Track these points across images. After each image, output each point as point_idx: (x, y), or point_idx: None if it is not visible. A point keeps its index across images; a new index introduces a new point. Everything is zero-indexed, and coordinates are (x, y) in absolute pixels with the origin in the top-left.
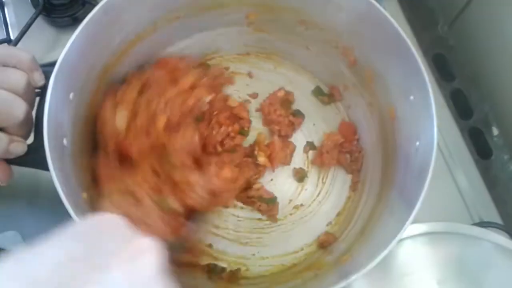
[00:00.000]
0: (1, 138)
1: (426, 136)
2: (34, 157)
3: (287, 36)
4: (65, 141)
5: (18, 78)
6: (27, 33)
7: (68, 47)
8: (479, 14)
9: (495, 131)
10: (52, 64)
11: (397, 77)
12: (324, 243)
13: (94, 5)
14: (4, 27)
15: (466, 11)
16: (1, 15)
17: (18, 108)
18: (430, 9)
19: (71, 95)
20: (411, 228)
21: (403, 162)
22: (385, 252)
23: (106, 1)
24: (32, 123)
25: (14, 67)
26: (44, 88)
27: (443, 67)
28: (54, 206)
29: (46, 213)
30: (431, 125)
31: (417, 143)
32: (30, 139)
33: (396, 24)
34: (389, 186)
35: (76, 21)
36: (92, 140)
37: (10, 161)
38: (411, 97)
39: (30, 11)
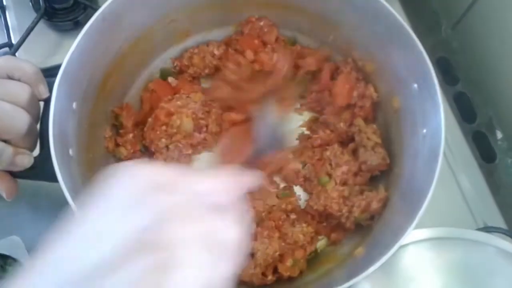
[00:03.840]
0: (5, 150)
1: (433, 122)
2: (41, 169)
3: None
4: (70, 151)
5: (22, 91)
6: (29, 37)
7: (69, 56)
8: (482, 16)
9: (499, 135)
10: (54, 69)
11: (399, 67)
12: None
13: (95, 9)
14: (5, 31)
15: (470, 13)
16: (3, 19)
17: (21, 121)
18: (433, 11)
19: (74, 105)
20: (415, 234)
21: (411, 152)
22: (389, 254)
23: (105, 7)
24: (37, 135)
25: (19, 79)
26: (47, 99)
27: (446, 71)
28: (56, 209)
29: (47, 217)
30: (437, 110)
31: (424, 130)
32: (36, 152)
33: (396, 14)
34: (396, 180)
35: (78, 25)
36: (97, 149)
37: (18, 175)
38: (415, 85)
39: (32, 15)
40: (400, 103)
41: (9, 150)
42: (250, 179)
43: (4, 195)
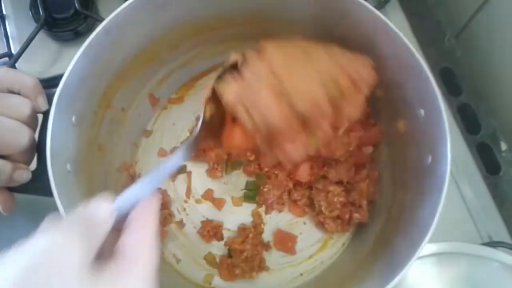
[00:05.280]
0: (5, 166)
1: (440, 151)
2: (38, 184)
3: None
4: (68, 167)
5: (24, 106)
6: (29, 47)
7: (70, 68)
8: (486, 26)
9: (504, 146)
10: (54, 80)
11: (406, 91)
12: None
13: (96, 19)
14: (5, 41)
15: (473, 23)
16: (2, 29)
17: (23, 137)
18: (437, 20)
19: (73, 119)
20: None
21: (414, 178)
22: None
23: (108, 20)
24: (35, 149)
25: (18, 92)
26: (46, 112)
27: (450, 81)
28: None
29: None
30: (444, 138)
31: (430, 157)
32: (33, 165)
33: (404, 38)
34: (399, 206)
35: (78, 35)
36: (98, 165)
37: (13, 189)
38: (421, 111)
39: (32, 25)
40: (406, 127)
41: (8, 166)
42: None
43: (1, 209)
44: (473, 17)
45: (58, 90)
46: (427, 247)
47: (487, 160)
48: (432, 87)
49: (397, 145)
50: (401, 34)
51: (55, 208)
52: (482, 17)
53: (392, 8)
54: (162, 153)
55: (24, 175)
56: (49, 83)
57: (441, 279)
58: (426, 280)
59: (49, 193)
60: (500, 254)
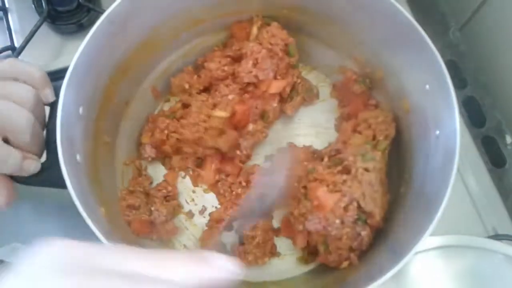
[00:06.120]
0: (14, 154)
1: (447, 123)
2: (48, 175)
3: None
4: (78, 157)
5: (25, 92)
6: (31, 40)
7: (75, 59)
8: (491, 18)
9: (509, 139)
10: (57, 73)
11: (410, 69)
12: None
13: (99, 12)
14: (8, 34)
15: (478, 15)
16: (5, 22)
17: (22, 118)
18: (441, 13)
19: (80, 109)
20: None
21: (422, 156)
22: (401, 264)
23: (111, 9)
24: (43, 140)
25: (24, 82)
26: (53, 104)
27: (455, 74)
28: (59, 215)
29: (51, 223)
30: (451, 110)
31: (437, 131)
32: (43, 158)
33: (406, 13)
34: (406, 187)
35: (81, 28)
36: (105, 157)
37: (24, 181)
38: (427, 86)
39: (35, 18)
40: (411, 105)
41: (17, 154)
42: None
43: (1, 202)
44: (478, 10)
45: (65, 81)
46: (431, 240)
47: (492, 153)
48: (436, 59)
49: (402, 124)
50: (402, 9)
51: (60, 200)
52: (487, 10)
53: (396, 1)
54: None
55: (33, 165)
56: (52, 77)
57: (445, 272)
58: (430, 273)
59: (58, 185)
60: (505, 247)
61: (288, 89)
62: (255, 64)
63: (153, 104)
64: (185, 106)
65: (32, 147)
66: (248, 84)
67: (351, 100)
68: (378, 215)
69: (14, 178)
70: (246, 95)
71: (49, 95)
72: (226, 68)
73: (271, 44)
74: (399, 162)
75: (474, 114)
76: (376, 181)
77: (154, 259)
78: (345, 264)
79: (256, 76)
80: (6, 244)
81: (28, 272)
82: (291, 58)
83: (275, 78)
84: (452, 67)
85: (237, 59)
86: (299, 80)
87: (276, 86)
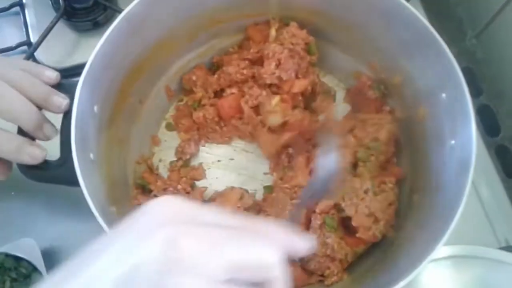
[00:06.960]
0: (15, 139)
1: (463, 133)
2: (61, 173)
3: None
4: (92, 156)
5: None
6: (47, 36)
7: (92, 57)
8: (508, 25)
9: None
10: (72, 69)
11: (426, 76)
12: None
13: (115, 10)
14: (24, 30)
15: (495, 22)
16: (22, 18)
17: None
18: (458, 19)
19: (95, 108)
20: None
21: (436, 165)
22: (414, 273)
23: (130, 9)
24: (43, 123)
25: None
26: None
27: (470, 82)
28: (70, 211)
29: (62, 218)
30: (468, 120)
31: (452, 141)
32: (56, 155)
33: (424, 20)
34: (420, 195)
35: (97, 25)
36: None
37: (37, 179)
38: (443, 95)
39: (51, 14)
40: (426, 113)
41: (19, 139)
42: (301, 243)
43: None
44: (495, 17)
45: (81, 79)
46: (443, 249)
47: (506, 163)
48: (453, 68)
49: (417, 132)
50: (419, 15)
51: (71, 196)
52: (504, 17)
53: (412, 6)
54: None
55: (37, 151)
56: (67, 73)
57: (456, 282)
58: (440, 283)
59: (72, 183)
60: None
61: (309, 88)
62: (277, 65)
63: (166, 103)
64: None
65: (36, 133)
66: (270, 85)
67: (364, 106)
68: (366, 223)
69: (27, 175)
70: None
71: (59, 103)
72: (245, 71)
73: (292, 44)
74: (413, 170)
75: (489, 123)
76: (364, 186)
77: (255, 222)
78: (331, 276)
79: (279, 77)
80: (16, 240)
81: (143, 222)
82: (312, 57)
83: (296, 77)
84: (468, 74)
85: (255, 61)
86: (317, 80)
87: (299, 85)
